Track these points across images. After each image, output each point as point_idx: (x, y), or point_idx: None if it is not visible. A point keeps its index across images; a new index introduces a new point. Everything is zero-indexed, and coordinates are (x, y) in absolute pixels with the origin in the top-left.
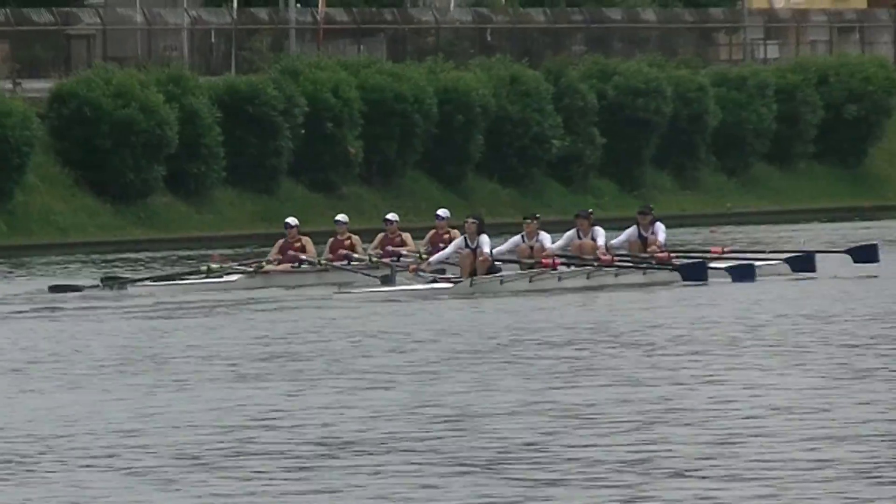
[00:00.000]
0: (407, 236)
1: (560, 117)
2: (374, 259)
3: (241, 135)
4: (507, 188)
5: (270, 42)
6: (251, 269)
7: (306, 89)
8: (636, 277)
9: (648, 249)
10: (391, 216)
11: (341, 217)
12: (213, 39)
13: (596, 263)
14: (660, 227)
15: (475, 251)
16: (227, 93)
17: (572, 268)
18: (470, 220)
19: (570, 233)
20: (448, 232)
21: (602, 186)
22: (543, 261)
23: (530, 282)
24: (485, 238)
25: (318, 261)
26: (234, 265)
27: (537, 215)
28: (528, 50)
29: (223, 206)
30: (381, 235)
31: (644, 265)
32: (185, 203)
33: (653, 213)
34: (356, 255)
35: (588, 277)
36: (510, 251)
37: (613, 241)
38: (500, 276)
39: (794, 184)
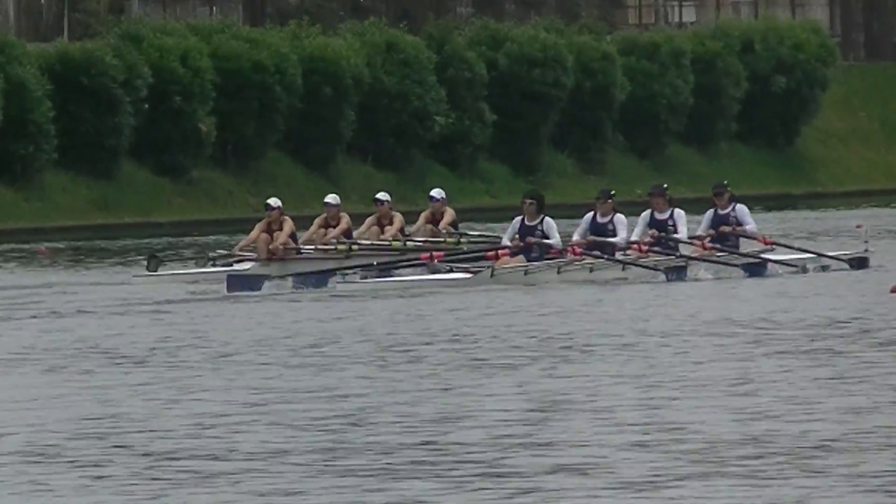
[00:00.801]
0: (399, 217)
1: (444, 90)
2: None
3: (74, 110)
4: (383, 172)
5: (109, 2)
6: (265, 257)
7: (150, 57)
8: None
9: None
10: (382, 195)
11: (330, 198)
12: (42, 0)
13: (683, 255)
14: (681, 216)
15: (533, 234)
16: (59, 62)
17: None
18: (527, 199)
19: (644, 214)
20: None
21: (493, 171)
22: (575, 250)
23: (558, 273)
24: (550, 223)
25: (351, 246)
26: (235, 251)
27: (612, 192)
28: (406, 13)
29: (54, 193)
30: (371, 219)
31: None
32: (11, 189)
33: (729, 191)
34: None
35: (623, 269)
36: (581, 235)
37: (699, 231)
38: (525, 265)
39: (715, 167)
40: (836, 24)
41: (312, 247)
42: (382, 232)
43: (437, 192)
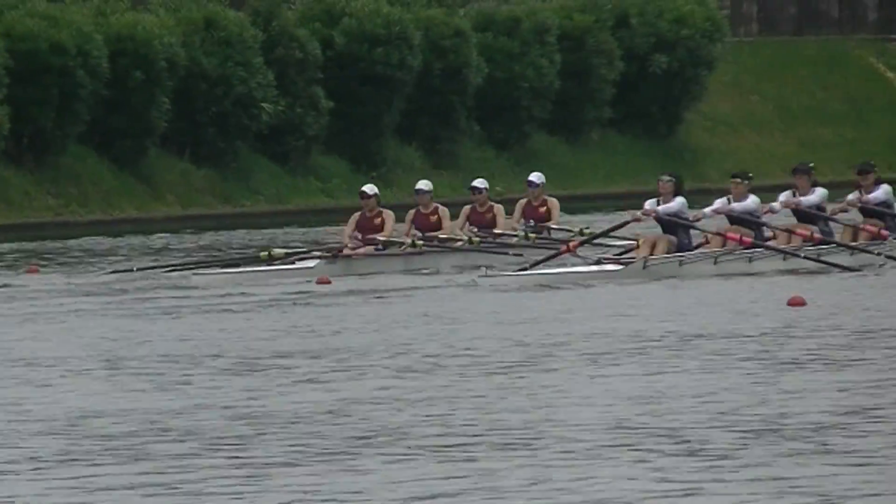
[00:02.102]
0: (445, 211)
1: (272, 73)
2: (475, 239)
3: None
4: (203, 168)
5: None
6: (329, 255)
7: None
8: (842, 259)
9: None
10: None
11: (423, 185)
12: None
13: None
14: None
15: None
16: None
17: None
18: (665, 177)
19: (786, 194)
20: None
21: (329, 166)
22: (731, 236)
23: (715, 263)
24: (681, 202)
25: (412, 241)
26: (299, 249)
27: (749, 175)
28: None
29: None
30: (412, 212)
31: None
32: None
33: (875, 171)
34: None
35: (784, 259)
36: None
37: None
38: (680, 256)
39: (585, 160)
40: None
41: (399, 239)
42: (485, 224)
43: (536, 177)
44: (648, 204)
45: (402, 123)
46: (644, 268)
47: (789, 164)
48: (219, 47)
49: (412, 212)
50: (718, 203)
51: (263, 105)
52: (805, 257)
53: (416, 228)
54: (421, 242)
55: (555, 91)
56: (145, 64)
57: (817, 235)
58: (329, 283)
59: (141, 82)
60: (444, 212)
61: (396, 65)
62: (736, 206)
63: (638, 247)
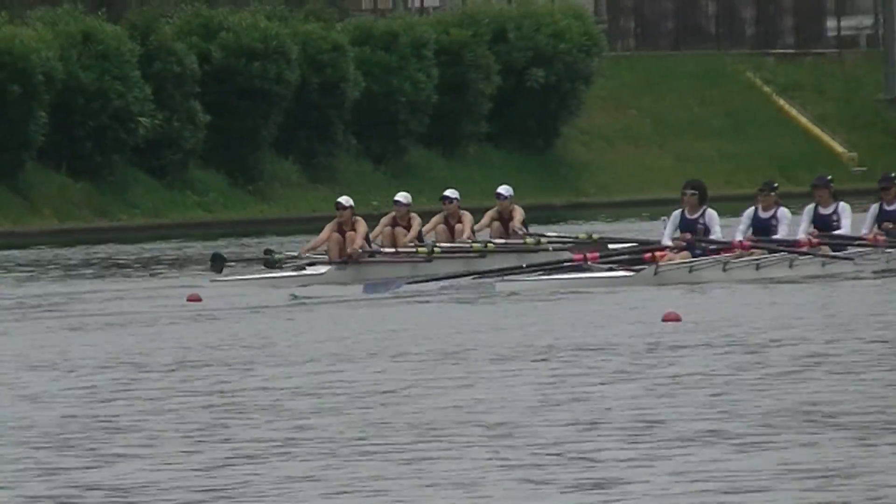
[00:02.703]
0: (469, 216)
1: (150, 87)
2: (490, 245)
3: None
4: (80, 182)
5: None
6: (341, 260)
7: None
8: (846, 267)
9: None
10: (451, 193)
11: (401, 197)
12: None
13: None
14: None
15: (694, 229)
16: None
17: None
18: (689, 190)
19: (809, 207)
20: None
21: (206, 179)
22: (743, 244)
23: (724, 270)
24: (713, 215)
25: (433, 248)
26: (303, 253)
27: (775, 185)
28: None
29: None
30: (438, 217)
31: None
32: None
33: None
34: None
35: (790, 267)
36: (742, 233)
37: (864, 230)
38: (690, 262)
39: (461, 173)
40: (601, 9)
41: (392, 250)
42: (452, 231)
43: (503, 189)
44: (672, 222)
45: (280, 137)
46: (655, 274)
47: (666, 178)
48: (96, 61)
49: (386, 219)
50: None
51: (141, 119)
52: (811, 255)
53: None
54: (439, 249)
55: (432, 105)
56: (23, 77)
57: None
58: (200, 300)
59: (18, 96)
60: (416, 220)
61: (274, 79)
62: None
63: (655, 259)
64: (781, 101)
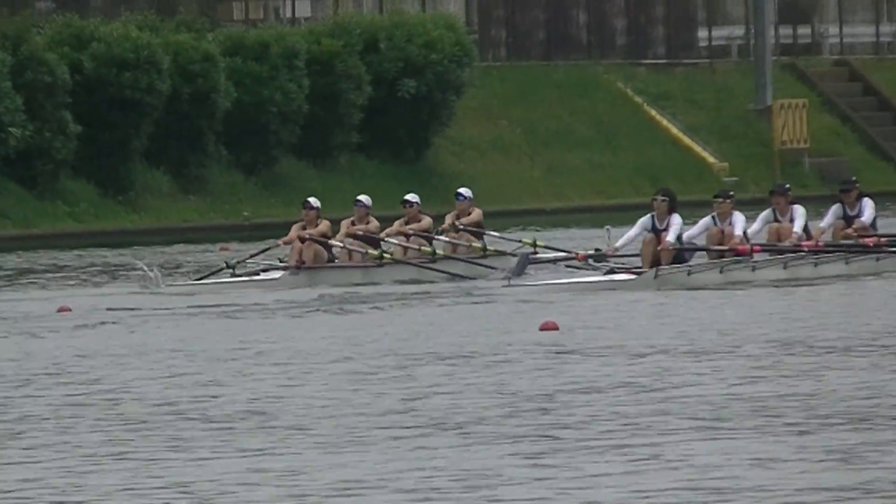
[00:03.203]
0: (428, 219)
1: (20, 98)
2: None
3: None
4: None
5: None
6: (294, 265)
7: None
8: (839, 267)
9: (850, 231)
10: (411, 197)
11: (363, 198)
12: None
13: (805, 250)
14: (798, 211)
15: (660, 235)
16: None
17: (767, 256)
18: (659, 197)
19: (765, 213)
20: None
21: (77, 190)
22: (739, 248)
23: (721, 273)
24: (676, 219)
25: (380, 253)
26: (258, 259)
27: (731, 193)
28: None
29: None
30: (399, 221)
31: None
32: None
33: (857, 188)
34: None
35: (785, 268)
36: (699, 236)
37: (822, 224)
38: (688, 266)
39: (333, 185)
40: (473, 19)
41: (340, 245)
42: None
43: (465, 191)
44: (642, 226)
45: (151, 148)
46: (655, 277)
47: (536, 189)
48: None
49: (346, 222)
50: (702, 224)
51: (11, 129)
52: (806, 258)
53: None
54: (388, 255)
55: (303, 115)
56: None
57: (808, 242)
58: (69, 311)
59: None
60: (375, 224)
61: (145, 89)
62: (737, 230)
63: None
64: (653, 112)
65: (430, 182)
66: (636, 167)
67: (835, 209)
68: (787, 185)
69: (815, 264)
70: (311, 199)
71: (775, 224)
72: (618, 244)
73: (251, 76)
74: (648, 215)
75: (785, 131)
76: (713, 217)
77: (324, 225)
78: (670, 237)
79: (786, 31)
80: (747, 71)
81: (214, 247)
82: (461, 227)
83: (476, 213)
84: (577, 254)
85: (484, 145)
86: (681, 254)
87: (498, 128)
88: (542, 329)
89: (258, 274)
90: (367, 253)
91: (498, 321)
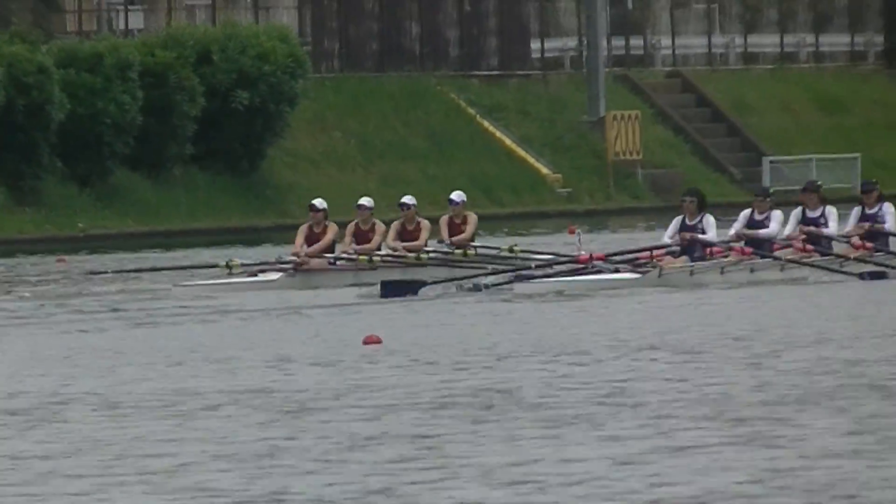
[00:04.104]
0: (426, 224)
1: None
2: (422, 257)
3: None
4: None
5: None
6: (290, 267)
7: None
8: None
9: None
10: (408, 199)
11: (365, 201)
12: None
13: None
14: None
15: (692, 233)
16: None
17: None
18: (688, 198)
19: (796, 212)
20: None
21: None
22: (735, 249)
23: (721, 273)
24: (710, 220)
25: (371, 257)
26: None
27: (770, 191)
28: None
29: None
30: (397, 224)
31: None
32: None
33: (878, 189)
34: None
35: (782, 270)
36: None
37: (847, 229)
38: (691, 265)
39: (167, 197)
40: (306, 30)
41: (334, 256)
42: (410, 237)
43: (457, 195)
44: (673, 227)
45: None
46: (659, 276)
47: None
48: None
49: (351, 226)
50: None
51: None
52: (802, 263)
53: (355, 243)
54: (377, 259)
55: (137, 127)
56: None
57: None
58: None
59: None
60: (379, 227)
61: None
62: (762, 231)
63: (653, 257)
64: (486, 123)
65: (265, 194)
66: (470, 178)
67: (855, 212)
68: (820, 182)
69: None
70: (317, 202)
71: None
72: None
73: (85, 88)
74: (679, 217)
75: (618, 143)
76: (752, 213)
77: (331, 230)
78: (710, 234)
79: (619, 42)
80: (580, 83)
81: (51, 258)
82: (449, 242)
83: (471, 221)
84: (591, 254)
85: (318, 157)
86: (695, 257)
87: (332, 139)
88: (365, 343)
89: (255, 275)
90: (405, 256)
91: (322, 335)
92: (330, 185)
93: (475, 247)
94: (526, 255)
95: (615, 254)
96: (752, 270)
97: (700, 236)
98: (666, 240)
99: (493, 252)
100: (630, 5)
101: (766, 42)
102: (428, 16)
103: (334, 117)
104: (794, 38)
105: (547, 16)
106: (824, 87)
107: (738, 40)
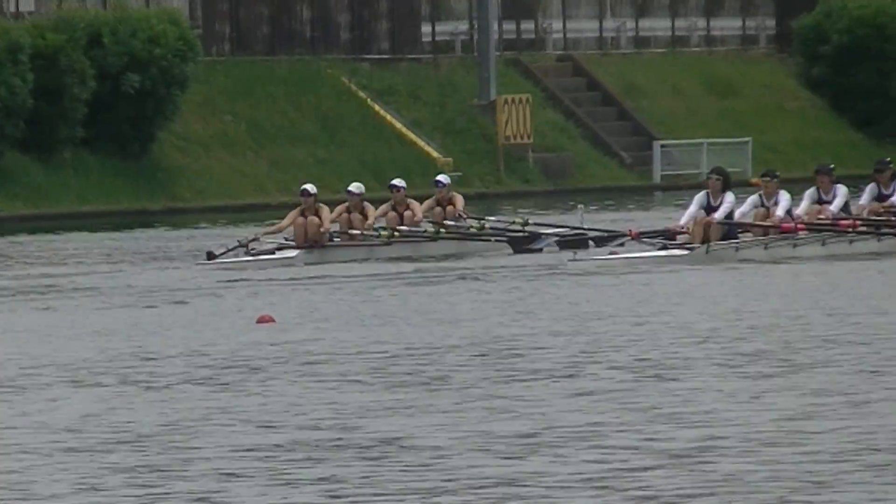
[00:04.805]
0: (416, 204)
1: None
2: (441, 231)
3: None
4: None
5: None
6: (307, 245)
7: None
8: (872, 245)
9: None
10: (398, 182)
11: (354, 187)
12: None
13: (843, 228)
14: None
15: (712, 212)
16: None
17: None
18: (714, 176)
19: (810, 192)
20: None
21: None
22: (783, 226)
23: (765, 249)
24: (729, 197)
25: (393, 232)
26: (261, 235)
27: (777, 173)
28: None
29: None
30: (385, 206)
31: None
32: None
33: (892, 168)
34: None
35: (823, 245)
36: (748, 213)
37: (861, 202)
38: (736, 243)
39: (58, 179)
40: (197, 14)
41: (357, 232)
42: (402, 218)
43: (443, 178)
44: (696, 203)
45: None
46: (707, 253)
47: (261, 183)
48: None
49: (341, 207)
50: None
51: None
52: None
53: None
54: (398, 233)
55: (27, 110)
56: None
57: (845, 222)
58: None
59: None
60: (369, 208)
61: None
62: (779, 210)
63: (689, 232)
64: (377, 107)
65: (156, 177)
66: (361, 162)
67: (870, 188)
68: (832, 165)
69: (850, 241)
70: (308, 186)
71: (762, 209)
72: (682, 221)
73: None
74: (704, 192)
75: (508, 126)
76: (760, 195)
77: (325, 212)
78: (719, 214)
79: (509, 26)
80: (471, 66)
81: None
82: (464, 215)
83: (458, 201)
84: (630, 231)
85: (209, 140)
86: (731, 230)
87: (223, 123)
88: (258, 322)
89: (273, 252)
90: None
91: (216, 316)
92: (220, 169)
93: (487, 219)
94: (534, 229)
95: (652, 232)
96: (794, 246)
97: (724, 220)
98: (684, 220)
99: (502, 226)
100: None
101: (657, 26)
102: (319, 0)
103: (225, 101)
104: (685, 23)
105: None
106: (715, 72)
107: (630, 24)
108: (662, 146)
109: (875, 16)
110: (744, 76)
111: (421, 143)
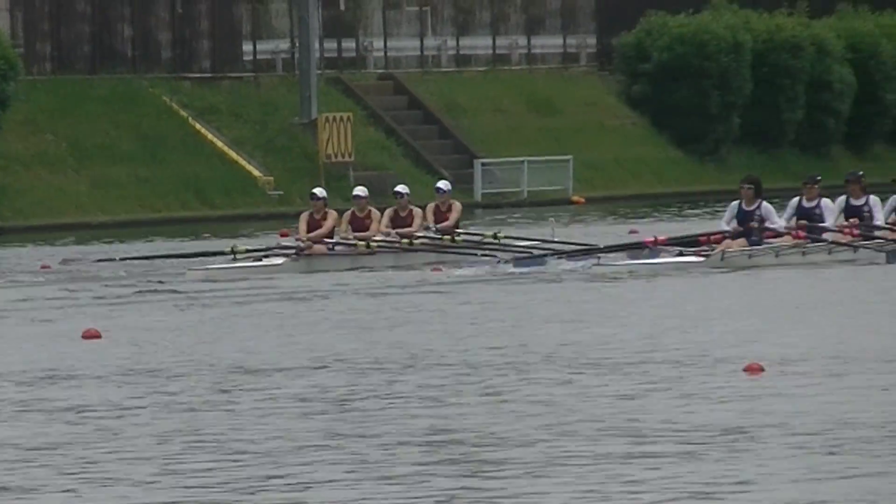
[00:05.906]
0: (419, 211)
1: None
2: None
3: None
4: None
5: None
6: (294, 252)
7: None
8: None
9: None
10: (402, 188)
11: (360, 191)
12: None
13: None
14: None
15: (750, 218)
16: None
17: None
18: (745, 185)
19: (840, 200)
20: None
21: None
22: (794, 234)
23: (776, 256)
24: (768, 207)
25: (367, 243)
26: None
27: (818, 177)
28: None
29: None
30: (389, 211)
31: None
32: None
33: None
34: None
35: (829, 254)
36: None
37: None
38: (750, 249)
39: None
40: (18, 33)
41: (334, 240)
42: (403, 224)
43: (443, 184)
44: (730, 212)
45: None
46: (722, 259)
47: (82, 202)
48: None
49: (347, 214)
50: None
51: None
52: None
53: (352, 230)
54: (375, 244)
55: None
56: None
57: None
58: None
59: None
60: (375, 214)
61: None
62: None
63: (710, 241)
64: (198, 125)
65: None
66: (182, 181)
67: (892, 200)
68: (861, 172)
69: (855, 250)
70: (317, 191)
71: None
72: (721, 226)
73: None
74: (736, 202)
75: (330, 145)
76: (800, 200)
77: (331, 217)
78: (776, 222)
79: (331, 44)
80: (293, 85)
81: None
82: (435, 229)
83: (456, 209)
84: (656, 238)
85: (29, 159)
86: (754, 240)
87: (43, 142)
88: (84, 337)
89: (260, 260)
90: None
91: (45, 330)
92: (41, 187)
93: (460, 233)
94: (508, 241)
95: (675, 239)
96: (804, 254)
97: (760, 224)
98: (723, 225)
99: (477, 239)
100: (342, 7)
101: (478, 44)
102: (140, 18)
103: (46, 119)
104: (506, 41)
105: (259, 18)
106: (536, 90)
107: (451, 42)
108: (483, 164)
109: (695, 34)
110: (565, 94)
111: (242, 161)
